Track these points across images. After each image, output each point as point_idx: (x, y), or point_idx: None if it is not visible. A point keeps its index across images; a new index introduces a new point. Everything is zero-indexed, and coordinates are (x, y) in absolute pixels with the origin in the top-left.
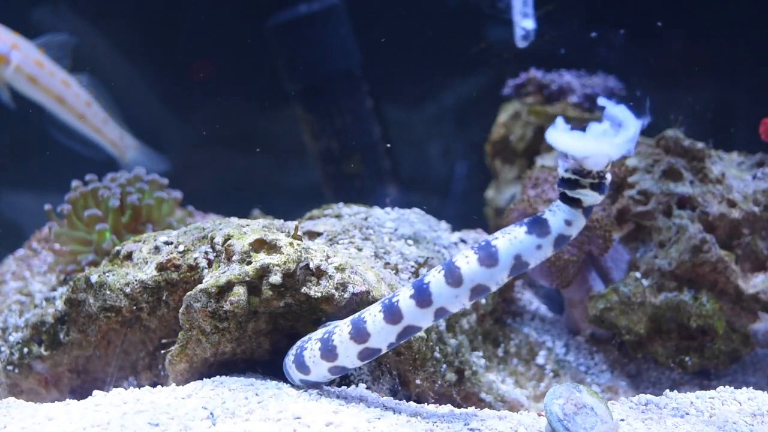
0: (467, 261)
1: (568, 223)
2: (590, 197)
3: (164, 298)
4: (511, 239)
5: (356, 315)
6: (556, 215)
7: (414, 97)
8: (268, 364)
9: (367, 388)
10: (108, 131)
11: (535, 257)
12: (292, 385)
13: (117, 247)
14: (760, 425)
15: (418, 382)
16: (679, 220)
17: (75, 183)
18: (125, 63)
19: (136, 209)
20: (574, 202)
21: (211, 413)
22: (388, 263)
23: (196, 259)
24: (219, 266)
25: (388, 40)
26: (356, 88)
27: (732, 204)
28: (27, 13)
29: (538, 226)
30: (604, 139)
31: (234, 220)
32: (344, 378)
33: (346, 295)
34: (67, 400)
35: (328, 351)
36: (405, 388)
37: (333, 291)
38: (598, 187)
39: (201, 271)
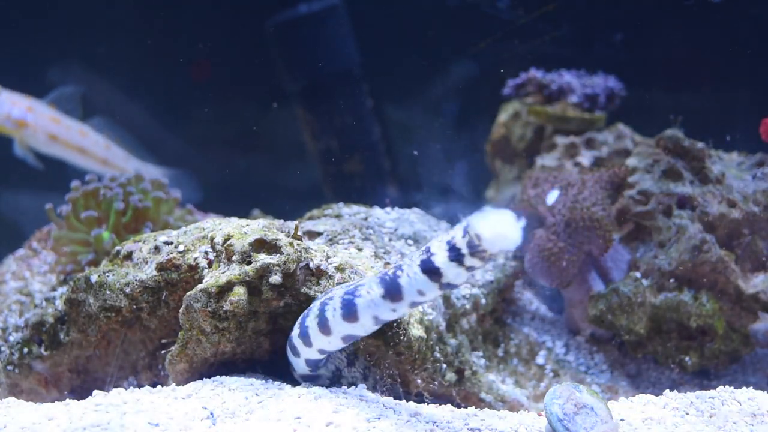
0: (333, 314)
1: (421, 293)
2: (457, 276)
3: (164, 298)
4: (370, 301)
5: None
6: (411, 285)
7: (414, 97)
8: (268, 364)
9: (367, 388)
10: (131, 168)
11: (394, 316)
12: (293, 385)
13: (117, 247)
14: (760, 425)
15: (418, 382)
16: (679, 220)
17: (75, 183)
18: (125, 62)
19: (137, 210)
20: (433, 274)
21: (211, 413)
22: (388, 263)
23: (196, 259)
24: (219, 266)
25: (388, 40)
26: (356, 88)
27: (732, 204)
28: (41, 73)
29: (394, 291)
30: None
31: (234, 220)
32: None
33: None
34: (67, 400)
35: (306, 339)
36: (405, 388)
37: None
38: (469, 269)
39: (201, 271)
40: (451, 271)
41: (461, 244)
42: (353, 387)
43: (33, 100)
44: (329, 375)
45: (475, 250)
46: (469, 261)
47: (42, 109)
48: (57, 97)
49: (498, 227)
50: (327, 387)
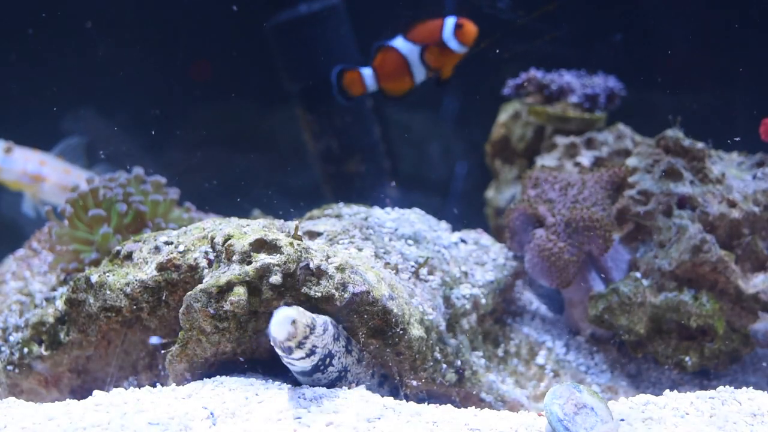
0: None
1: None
2: (294, 365)
3: (164, 298)
4: None
5: None
6: None
7: (414, 97)
8: (268, 364)
9: (367, 389)
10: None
11: None
12: (293, 386)
13: (117, 247)
14: (760, 425)
15: (418, 382)
16: (679, 220)
17: (81, 178)
18: (124, 62)
19: (137, 211)
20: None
21: (212, 413)
22: (388, 263)
23: (196, 259)
24: (219, 266)
25: (388, 40)
26: None
27: (732, 204)
28: (56, 123)
29: None
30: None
31: (234, 220)
32: (343, 379)
33: (346, 295)
34: (67, 400)
35: None
36: (405, 388)
37: (333, 291)
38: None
39: (201, 271)
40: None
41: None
42: (353, 387)
43: (43, 153)
44: (336, 374)
45: (275, 345)
46: (284, 358)
47: (53, 161)
48: (64, 149)
49: (276, 321)
50: (328, 386)
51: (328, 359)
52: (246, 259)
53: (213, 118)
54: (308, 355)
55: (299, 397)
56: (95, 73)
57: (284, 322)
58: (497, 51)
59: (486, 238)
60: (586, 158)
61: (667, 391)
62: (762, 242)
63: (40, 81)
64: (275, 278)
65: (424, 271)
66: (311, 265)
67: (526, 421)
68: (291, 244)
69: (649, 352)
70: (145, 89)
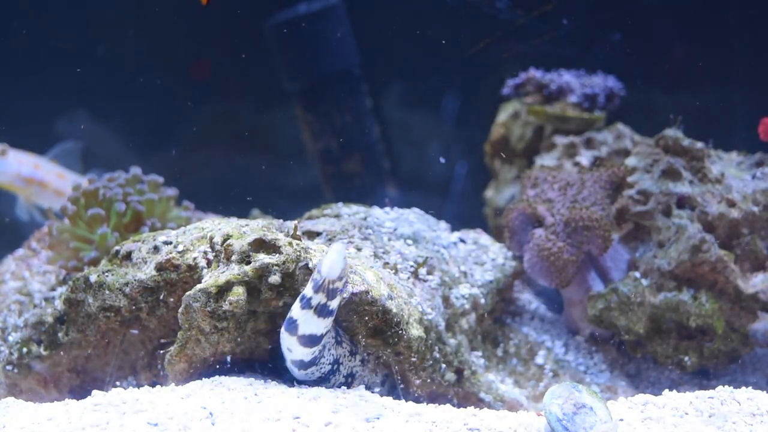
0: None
1: (288, 349)
2: (309, 322)
3: (163, 298)
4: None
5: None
6: (283, 341)
7: (414, 97)
8: (267, 364)
9: (366, 388)
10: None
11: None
12: (291, 386)
13: (116, 247)
14: (759, 425)
15: (417, 382)
16: (679, 219)
17: (75, 184)
18: (124, 61)
19: (136, 210)
20: (290, 326)
21: (211, 413)
22: (387, 263)
23: (195, 258)
24: (218, 266)
25: (387, 40)
26: (356, 88)
27: (731, 204)
28: (50, 124)
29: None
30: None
31: (233, 219)
32: (336, 373)
33: (345, 295)
34: (67, 400)
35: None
36: (405, 388)
37: None
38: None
39: (200, 271)
40: (302, 318)
41: (307, 289)
42: (353, 387)
43: (38, 157)
44: (328, 367)
45: (317, 285)
46: (315, 299)
47: (48, 165)
48: (59, 153)
49: (330, 256)
50: (320, 380)
51: (322, 350)
52: (245, 258)
53: (213, 118)
54: (325, 315)
55: (297, 397)
56: (93, 75)
57: (339, 261)
58: (497, 51)
59: (485, 238)
60: (585, 158)
61: (667, 390)
62: (761, 242)
63: (36, 83)
64: (274, 278)
65: (423, 270)
66: (310, 265)
67: (525, 420)
68: (290, 243)
69: (648, 352)
70: (145, 90)
